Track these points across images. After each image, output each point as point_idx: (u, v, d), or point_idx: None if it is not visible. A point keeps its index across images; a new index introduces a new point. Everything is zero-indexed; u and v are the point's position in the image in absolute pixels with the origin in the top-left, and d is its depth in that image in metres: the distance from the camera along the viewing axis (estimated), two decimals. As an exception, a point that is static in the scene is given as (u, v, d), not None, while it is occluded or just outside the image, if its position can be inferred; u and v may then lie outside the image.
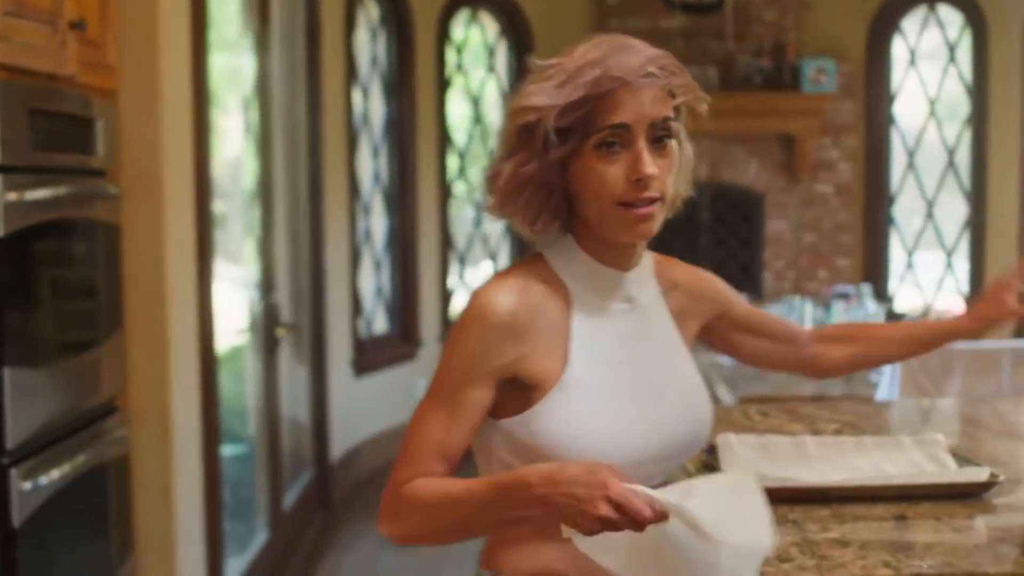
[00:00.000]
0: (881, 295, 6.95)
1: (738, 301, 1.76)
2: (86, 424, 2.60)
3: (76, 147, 2.53)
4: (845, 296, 4.99)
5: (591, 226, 1.46)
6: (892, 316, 5.72)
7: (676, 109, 1.44)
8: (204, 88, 3.14)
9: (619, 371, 1.47)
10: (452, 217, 7.06)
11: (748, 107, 6.80)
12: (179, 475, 3.00)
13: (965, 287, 7.04)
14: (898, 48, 7.19)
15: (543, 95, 1.39)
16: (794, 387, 4.38)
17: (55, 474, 2.35)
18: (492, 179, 1.46)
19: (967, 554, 1.57)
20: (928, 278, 7.25)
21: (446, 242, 6.97)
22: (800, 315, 4.62)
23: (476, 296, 1.45)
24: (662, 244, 1.56)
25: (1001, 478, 1.86)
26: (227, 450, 3.74)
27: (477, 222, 7.19)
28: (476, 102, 7.13)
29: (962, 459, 2.00)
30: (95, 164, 2.64)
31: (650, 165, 1.39)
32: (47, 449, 2.36)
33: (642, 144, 1.39)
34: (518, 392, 1.44)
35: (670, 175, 1.44)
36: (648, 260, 1.58)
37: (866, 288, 5.09)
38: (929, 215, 7.20)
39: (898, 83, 7.23)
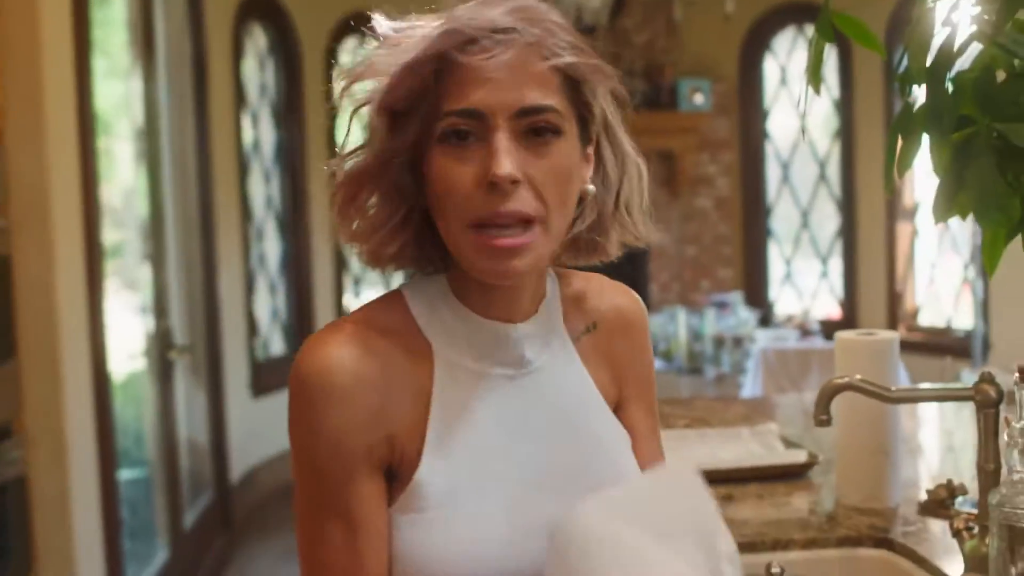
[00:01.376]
0: (761, 302, 7.28)
1: (646, 399, 1.23)
2: (-19, 447, 2.71)
3: (-35, 183, 2.64)
4: (721, 305, 5.25)
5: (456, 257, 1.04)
6: (764, 322, 6.00)
7: (584, 104, 1.04)
8: (89, 121, 3.25)
9: (501, 464, 1.05)
10: (346, 239, 7.19)
11: (629, 126, 7.07)
12: (76, 495, 3.10)
13: (840, 291, 7.40)
14: (769, 66, 7.55)
15: (377, 65, 1.01)
16: (672, 390, 4.62)
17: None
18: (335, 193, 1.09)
19: (778, 525, 1.78)
20: (806, 284, 7.60)
21: (340, 263, 7.12)
22: (676, 324, 4.86)
23: (301, 360, 1.03)
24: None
25: (820, 458, 2.09)
26: (126, 472, 3.84)
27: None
28: (368, 125, 7.26)
29: (790, 443, 2.23)
30: (-16, 199, 2.75)
31: (507, 163, 0.95)
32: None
33: (502, 136, 0.97)
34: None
35: (557, 185, 1.00)
36: (553, 292, 1.14)
37: (738, 296, 5.35)
38: (804, 224, 7.55)
39: (770, 100, 7.58)
